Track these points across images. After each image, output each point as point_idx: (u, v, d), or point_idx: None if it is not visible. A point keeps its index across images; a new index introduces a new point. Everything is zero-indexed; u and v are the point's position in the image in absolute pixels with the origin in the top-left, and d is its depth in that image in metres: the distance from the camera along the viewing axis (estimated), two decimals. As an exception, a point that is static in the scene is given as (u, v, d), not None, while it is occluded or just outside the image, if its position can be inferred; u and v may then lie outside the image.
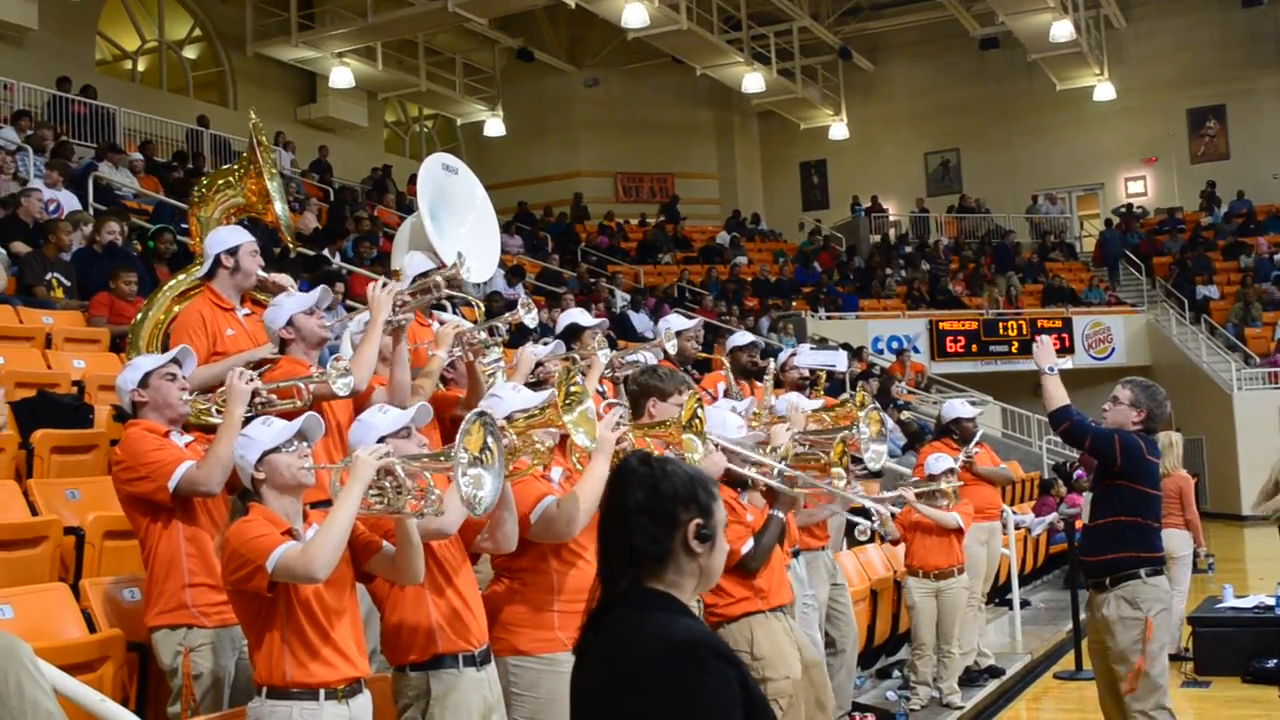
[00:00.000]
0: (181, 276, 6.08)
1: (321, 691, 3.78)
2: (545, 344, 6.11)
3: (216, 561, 4.16)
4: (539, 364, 5.80)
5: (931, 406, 19.58)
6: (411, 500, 3.79)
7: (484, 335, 5.56)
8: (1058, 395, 6.16)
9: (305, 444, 4.00)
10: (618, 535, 2.57)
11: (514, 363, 5.69)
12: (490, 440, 3.76)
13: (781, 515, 5.56)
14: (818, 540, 7.39)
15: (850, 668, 7.66)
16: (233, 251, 5.69)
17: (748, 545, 5.41)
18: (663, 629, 2.46)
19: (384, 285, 5.19)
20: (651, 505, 2.55)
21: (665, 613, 2.50)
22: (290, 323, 5.27)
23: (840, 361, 9.01)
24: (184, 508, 4.63)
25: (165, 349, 5.61)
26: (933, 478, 8.47)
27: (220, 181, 6.39)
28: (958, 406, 9.62)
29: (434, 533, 4.06)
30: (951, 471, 8.43)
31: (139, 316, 6.03)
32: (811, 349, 9.24)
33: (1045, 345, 6.30)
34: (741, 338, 8.15)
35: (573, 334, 6.89)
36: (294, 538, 3.81)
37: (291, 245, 6.65)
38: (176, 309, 5.99)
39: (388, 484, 3.80)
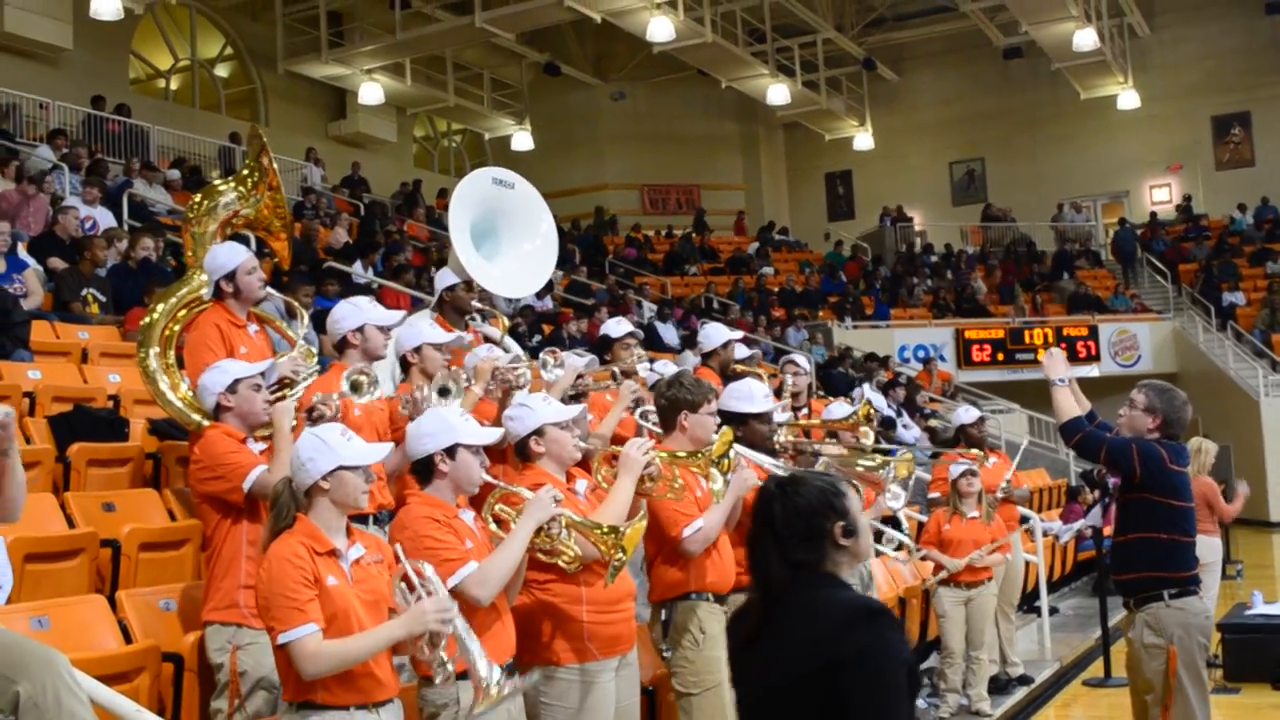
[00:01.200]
0: (184, 291, 5.96)
1: (352, 705, 3.80)
2: (580, 354, 6.23)
3: None
4: (579, 376, 5.96)
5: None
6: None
7: (519, 372, 5.56)
8: (1068, 407, 5.81)
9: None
10: (776, 555, 2.93)
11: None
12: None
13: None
14: None
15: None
16: (230, 276, 5.75)
17: None
18: (845, 599, 2.88)
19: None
20: (798, 526, 2.93)
21: (837, 589, 2.90)
22: (420, 349, 5.63)
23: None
24: (252, 510, 4.78)
25: (180, 358, 5.75)
26: (954, 483, 8.52)
27: (221, 197, 6.30)
28: (962, 413, 9.66)
29: (472, 597, 4.11)
30: (972, 474, 8.45)
31: (145, 320, 6.01)
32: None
33: (1055, 357, 5.99)
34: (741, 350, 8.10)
35: (604, 345, 6.98)
36: (335, 557, 3.84)
37: (284, 261, 6.73)
38: (182, 314, 6.00)
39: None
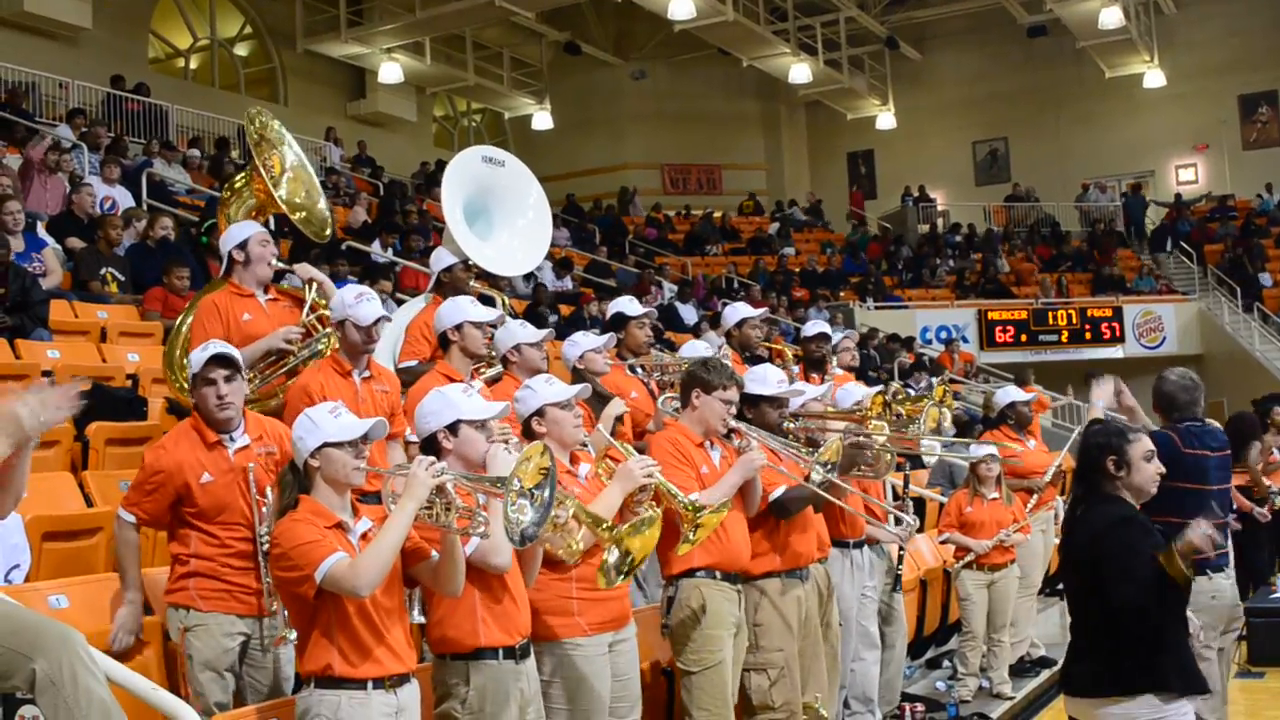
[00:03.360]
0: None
1: (369, 682, 3.83)
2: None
3: None
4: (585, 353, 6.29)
5: (979, 396, 19.46)
6: (459, 518, 3.85)
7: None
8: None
9: (365, 445, 4.01)
10: (1081, 471, 4.51)
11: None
12: (546, 483, 3.82)
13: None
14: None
15: (900, 663, 7.67)
16: (242, 245, 5.93)
17: (778, 491, 5.57)
18: (1112, 511, 4.30)
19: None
20: (1086, 455, 4.45)
21: (1110, 504, 4.32)
22: (461, 327, 5.78)
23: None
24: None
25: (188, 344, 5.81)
26: (974, 466, 8.46)
27: (239, 184, 6.59)
28: (1011, 391, 9.59)
29: (491, 566, 4.15)
30: (993, 458, 8.38)
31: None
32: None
33: (1104, 385, 6.20)
34: (813, 327, 8.20)
35: (619, 323, 6.99)
36: (343, 530, 3.87)
37: (315, 236, 6.74)
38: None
39: (438, 500, 3.84)
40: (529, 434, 4.79)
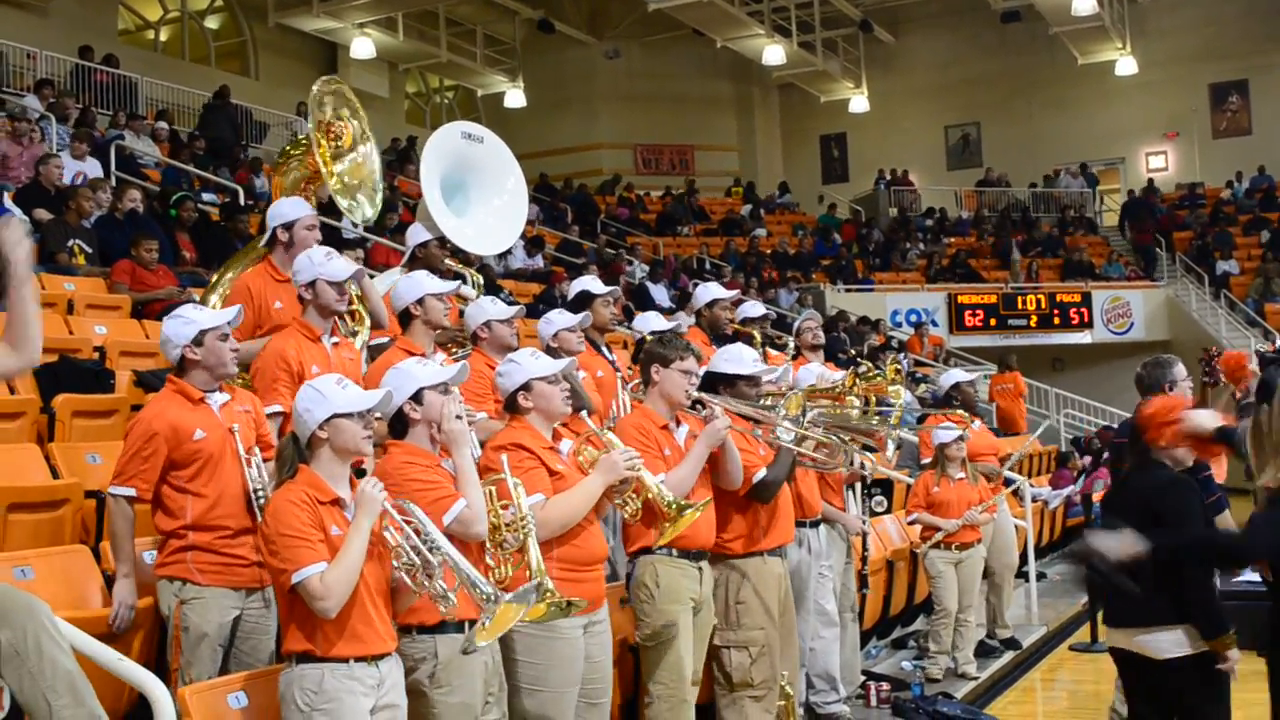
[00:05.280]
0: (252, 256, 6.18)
1: (352, 658, 3.87)
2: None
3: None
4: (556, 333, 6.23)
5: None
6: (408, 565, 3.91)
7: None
8: None
9: (371, 417, 4.07)
10: (1129, 440, 5.09)
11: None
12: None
13: (791, 451, 5.77)
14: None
15: (855, 642, 7.74)
16: (289, 226, 5.87)
17: (760, 473, 5.61)
18: (1165, 474, 4.84)
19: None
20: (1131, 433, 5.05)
21: (1161, 468, 4.84)
22: (423, 300, 5.67)
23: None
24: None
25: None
26: (943, 447, 8.51)
27: (295, 151, 6.59)
28: (955, 373, 9.70)
29: (470, 535, 4.19)
30: (961, 439, 8.45)
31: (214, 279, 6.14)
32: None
33: None
34: (753, 309, 8.21)
35: (584, 301, 6.99)
36: (340, 507, 3.92)
37: (356, 224, 6.70)
38: (230, 276, 6.11)
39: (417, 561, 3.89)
40: (513, 408, 4.79)
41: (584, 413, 5.01)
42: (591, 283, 7.26)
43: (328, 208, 15.42)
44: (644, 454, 5.12)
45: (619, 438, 5.14)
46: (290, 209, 5.92)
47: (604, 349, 7.09)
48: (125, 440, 4.80)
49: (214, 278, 6.53)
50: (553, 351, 6.07)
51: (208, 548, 4.60)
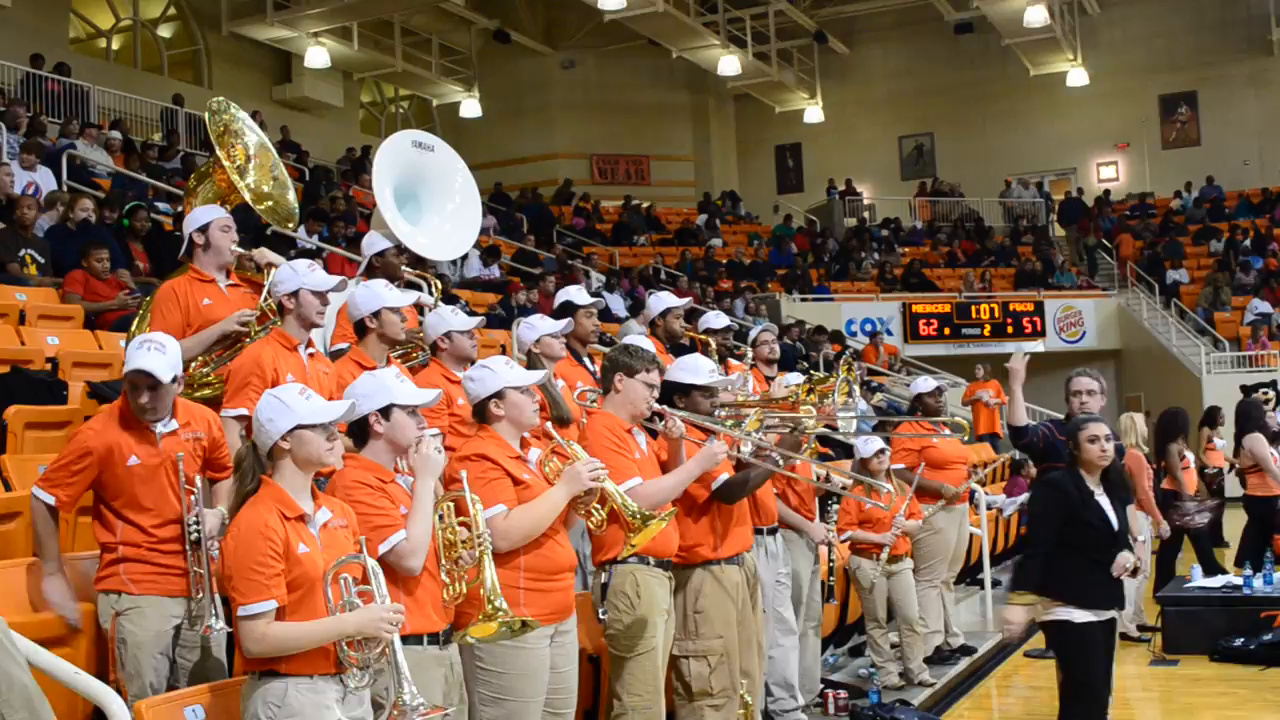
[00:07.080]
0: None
1: (315, 675, 3.80)
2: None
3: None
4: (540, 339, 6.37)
5: (903, 389, 19.64)
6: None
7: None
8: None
9: (334, 429, 3.98)
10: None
11: None
12: None
13: (766, 467, 5.83)
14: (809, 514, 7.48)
15: (815, 650, 7.75)
16: (203, 229, 5.85)
17: (720, 479, 5.65)
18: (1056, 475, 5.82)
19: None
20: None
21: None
22: (379, 314, 5.56)
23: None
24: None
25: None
26: (864, 461, 8.41)
27: (203, 173, 6.53)
28: (920, 383, 9.67)
29: (403, 568, 4.13)
30: (883, 452, 8.35)
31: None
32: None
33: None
34: (716, 320, 8.18)
35: (567, 312, 6.96)
36: (304, 523, 3.84)
37: (280, 225, 6.63)
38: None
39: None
40: (481, 415, 4.74)
41: (548, 424, 4.98)
42: (576, 293, 7.22)
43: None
44: (617, 455, 5.12)
45: (589, 439, 5.14)
46: (201, 215, 5.90)
47: (585, 359, 7.05)
48: (65, 446, 4.75)
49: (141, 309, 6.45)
50: (534, 356, 6.03)
51: (139, 559, 4.54)
